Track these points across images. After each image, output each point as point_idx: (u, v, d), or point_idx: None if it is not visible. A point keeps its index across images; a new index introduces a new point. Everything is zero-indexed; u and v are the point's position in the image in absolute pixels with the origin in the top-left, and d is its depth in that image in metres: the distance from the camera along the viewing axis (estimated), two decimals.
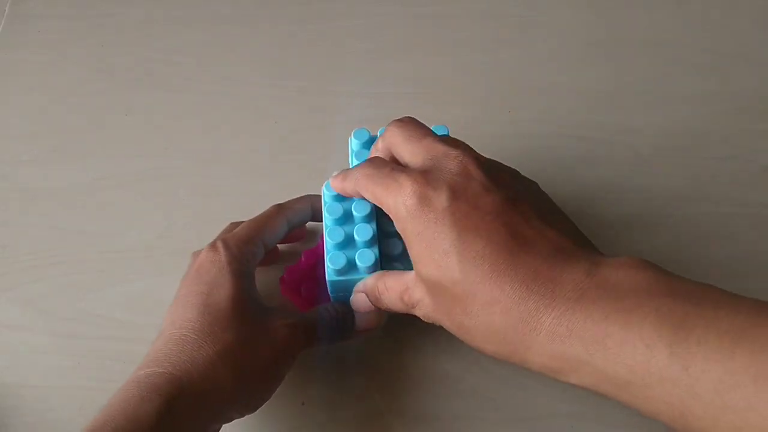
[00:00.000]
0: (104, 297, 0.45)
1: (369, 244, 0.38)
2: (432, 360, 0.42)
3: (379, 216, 0.39)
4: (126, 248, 0.47)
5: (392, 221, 0.39)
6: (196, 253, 0.39)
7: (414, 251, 0.33)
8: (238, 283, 0.36)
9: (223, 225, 0.43)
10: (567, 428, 0.40)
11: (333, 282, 0.38)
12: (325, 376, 0.42)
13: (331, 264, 0.37)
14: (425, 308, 0.34)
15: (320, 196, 0.40)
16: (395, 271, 0.36)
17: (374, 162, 0.36)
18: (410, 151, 0.35)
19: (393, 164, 0.35)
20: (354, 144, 0.41)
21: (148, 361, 0.34)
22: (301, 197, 0.42)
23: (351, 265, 0.38)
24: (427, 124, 0.42)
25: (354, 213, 0.39)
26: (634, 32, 0.57)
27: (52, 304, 0.45)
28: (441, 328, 0.44)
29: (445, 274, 0.31)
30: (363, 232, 0.38)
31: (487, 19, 0.58)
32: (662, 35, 0.57)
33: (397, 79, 0.54)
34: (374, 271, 0.38)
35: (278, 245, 0.45)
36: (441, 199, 0.31)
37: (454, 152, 0.33)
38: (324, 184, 0.39)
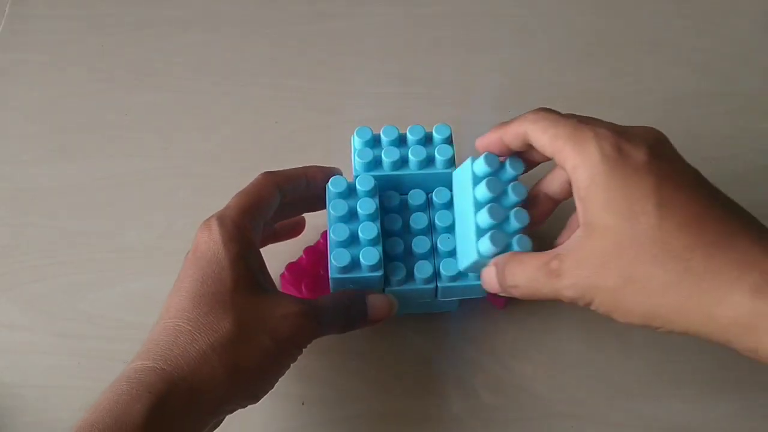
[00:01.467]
0: (104, 297, 0.45)
1: (373, 242, 0.38)
2: (432, 360, 0.42)
3: (382, 215, 0.40)
4: (126, 248, 0.47)
5: (396, 219, 0.40)
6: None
7: (602, 196, 0.31)
8: (237, 266, 0.34)
9: None
10: (567, 428, 0.40)
11: (336, 279, 0.38)
12: (325, 376, 0.42)
13: (335, 261, 0.37)
14: (580, 274, 0.31)
15: (317, 166, 0.40)
16: (529, 252, 0.35)
17: (549, 111, 0.34)
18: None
19: (577, 116, 0.34)
20: (357, 142, 0.41)
21: (140, 353, 0.32)
22: (297, 167, 0.40)
23: (354, 263, 0.38)
24: (427, 124, 0.42)
25: (359, 211, 0.39)
26: (634, 32, 0.57)
27: (52, 304, 0.45)
28: (441, 329, 0.44)
29: (640, 218, 0.30)
30: (367, 230, 0.38)
31: (487, 19, 0.58)
32: (662, 35, 0.57)
33: (397, 79, 0.54)
34: (377, 270, 0.38)
35: (294, 228, 0.44)
36: (640, 154, 0.31)
37: (649, 127, 0.33)
38: (329, 182, 0.40)
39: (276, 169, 0.39)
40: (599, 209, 0.31)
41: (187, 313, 0.33)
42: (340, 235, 0.38)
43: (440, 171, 0.41)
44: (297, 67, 0.55)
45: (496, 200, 0.36)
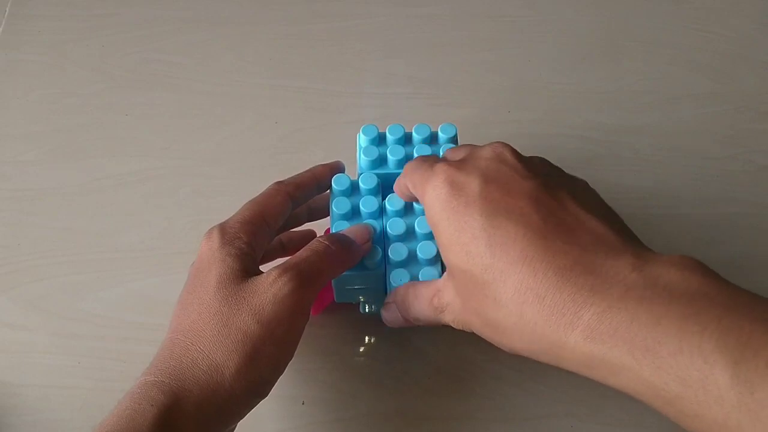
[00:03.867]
0: (104, 297, 0.45)
1: (376, 241, 0.38)
2: (432, 360, 0.42)
3: (386, 219, 0.39)
4: (126, 248, 0.47)
5: (399, 224, 0.39)
6: None
7: (443, 239, 0.31)
8: (224, 265, 0.33)
9: None
10: (567, 428, 0.40)
11: (337, 279, 0.38)
12: (325, 376, 0.42)
13: None
14: (454, 310, 0.32)
15: (322, 165, 0.40)
16: (424, 281, 0.35)
17: (420, 156, 0.36)
18: (451, 156, 0.35)
19: (437, 157, 0.35)
20: (362, 140, 0.41)
21: (146, 370, 0.33)
22: (304, 171, 0.40)
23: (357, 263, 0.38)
24: (427, 124, 0.42)
25: (361, 209, 0.39)
26: (634, 32, 0.57)
27: (52, 304, 0.45)
28: (442, 329, 0.44)
29: (474, 260, 0.29)
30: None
31: (487, 19, 0.58)
32: (662, 35, 0.57)
33: (397, 79, 0.54)
34: (379, 268, 0.38)
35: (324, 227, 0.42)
36: (473, 184, 0.30)
37: (490, 144, 0.33)
38: (332, 180, 0.40)
39: (270, 185, 0.39)
40: (445, 252, 0.31)
41: (180, 324, 0.33)
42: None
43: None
44: (297, 67, 0.55)
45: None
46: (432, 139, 0.42)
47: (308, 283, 0.34)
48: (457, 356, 0.42)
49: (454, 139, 0.41)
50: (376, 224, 0.38)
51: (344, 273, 0.38)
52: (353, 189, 0.40)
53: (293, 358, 0.42)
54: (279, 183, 0.39)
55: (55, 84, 0.55)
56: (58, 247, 0.47)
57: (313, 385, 0.42)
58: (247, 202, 0.38)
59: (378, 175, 0.40)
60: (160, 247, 0.47)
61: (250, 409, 0.34)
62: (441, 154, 0.41)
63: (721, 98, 0.53)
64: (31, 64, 0.56)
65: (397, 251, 0.38)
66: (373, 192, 0.40)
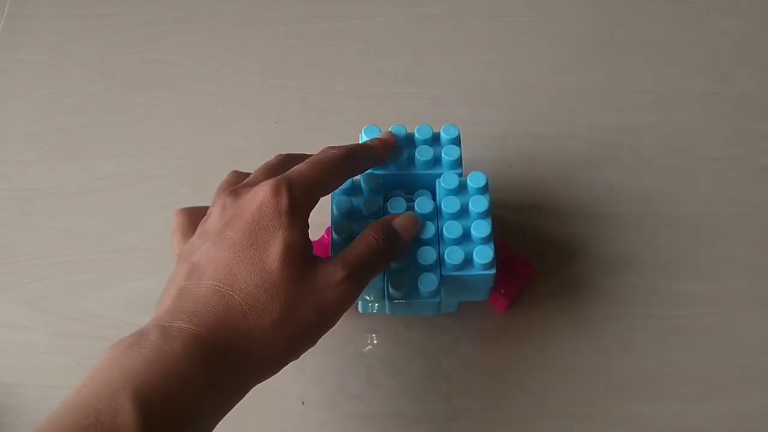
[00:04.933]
0: (104, 297, 0.45)
1: None
2: (431, 360, 0.42)
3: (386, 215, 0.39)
4: (126, 248, 0.47)
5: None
6: (249, 187, 0.34)
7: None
8: (294, 236, 0.32)
9: None
10: (567, 428, 0.40)
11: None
12: (325, 376, 0.42)
13: None
14: None
15: (380, 138, 0.40)
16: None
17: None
18: None
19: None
20: (364, 141, 0.41)
21: (177, 307, 0.31)
22: (365, 144, 0.39)
23: None
24: (427, 124, 0.42)
25: (362, 209, 0.39)
26: (634, 32, 0.57)
27: (52, 304, 0.45)
28: (442, 330, 0.44)
29: None
30: None
31: (487, 19, 0.58)
32: (662, 35, 0.57)
33: (397, 79, 0.54)
34: None
35: None
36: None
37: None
38: None
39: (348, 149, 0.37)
40: None
41: (236, 281, 0.32)
42: (343, 232, 0.38)
43: (447, 172, 0.40)
44: (297, 67, 0.55)
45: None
46: (434, 141, 0.42)
47: (363, 284, 0.35)
48: (457, 356, 0.42)
49: (456, 141, 0.41)
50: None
51: None
52: (355, 189, 0.40)
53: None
54: (351, 151, 0.37)
55: (55, 84, 0.55)
56: (58, 247, 0.47)
57: (313, 385, 0.42)
58: (315, 161, 0.35)
59: (380, 176, 0.40)
60: (160, 247, 0.47)
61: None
62: (443, 155, 0.41)
63: (721, 98, 0.53)
64: (31, 64, 0.56)
65: None
66: (375, 192, 0.40)
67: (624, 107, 0.53)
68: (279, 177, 0.34)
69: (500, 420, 0.40)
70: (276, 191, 0.33)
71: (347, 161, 0.36)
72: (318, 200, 0.35)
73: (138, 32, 0.58)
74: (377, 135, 0.41)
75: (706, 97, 0.53)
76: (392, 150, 0.40)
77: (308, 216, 0.34)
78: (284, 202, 0.33)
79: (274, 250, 0.32)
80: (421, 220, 0.38)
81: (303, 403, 0.41)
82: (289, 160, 0.37)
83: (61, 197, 0.49)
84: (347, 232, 0.38)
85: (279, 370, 0.34)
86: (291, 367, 0.42)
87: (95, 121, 0.53)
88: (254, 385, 0.33)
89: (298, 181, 0.34)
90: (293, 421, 0.40)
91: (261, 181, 0.34)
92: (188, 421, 0.29)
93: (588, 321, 0.43)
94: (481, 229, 0.38)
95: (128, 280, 0.46)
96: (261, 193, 0.33)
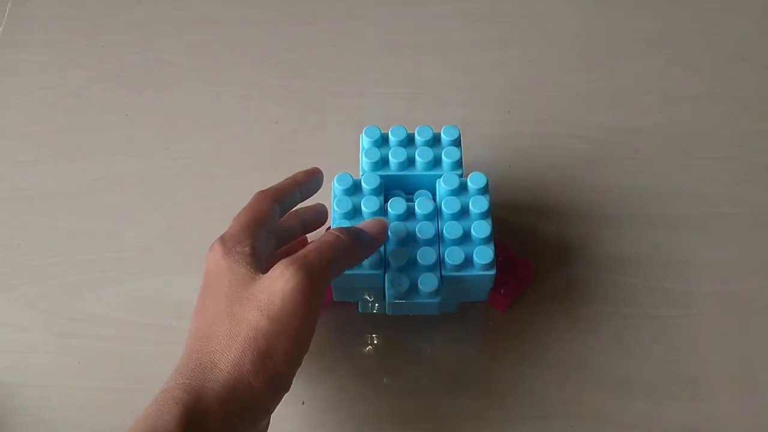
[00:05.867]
0: (104, 297, 0.45)
1: None
2: (431, 360, 0.42)
3: (387, 218, 0.39)
4: (126, 248, 0.47)
5: (401, 228, 0.39)
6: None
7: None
8: (232, 270, 0.34)
9: (224, 225, 0.43)
10: (567, 428, 0.40)
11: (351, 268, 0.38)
12: (325, 376, 0.42)
13: None
14: None
15: (301, 171, 0.41)
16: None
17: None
18: None
19: None
20: (365, 141, 0.41)
21: (167, 380, 0.33)
22: (283, 179, 0.41)
23: None
24: (427, 124, 0.42)
25: (363, 209, 0.39)
26: (634, 32, 0.57)
27: (52, 304, 0.45)
28: (442, 330, 0.44)
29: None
30: None
31: (487, 19, 0.58)
32: (662, 35, 0.57)
33: (397, 79, 0.54)
34: (379, 268, 0.38)
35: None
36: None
37: None
38: (335, 178, 0.40)
39: (270, 185, 0.40)
40: None
41: (198, 331, 0.34)
42: None
43: (447, 173, 0.40)
44: (297, 67, 0.55)
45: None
46: (434, 141, 0.42)
47: (317, 275, 0.33)
48: (457, 356, 0.42)
49: (456, 142, 0.41)
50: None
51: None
52: (356, 189, 0.40)
53: None
54: (261, 191, 0.39)
55: (55, 84, 0.55)
56: (58, 247, 0.47)
57: (313, 385, 0.42)
58: (237, 214, 0.38)
59: (380, 176, 0.40)
60: (160, 247, 0.47)
61: (276, 404, 0.34)
62: (443, 156, 0.41)
63: (721, 98, 0.53)
64: (31, 64, 0.56)
65: (397, 256, 0.38)
66: (376, 192, 0.40)
67: (624, 107, 0.53)
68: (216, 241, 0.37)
69: (500, 420, 0.40)
70: (211, 250, 0.36)
71: (265, 194, 0.39)
72: (255, 233, 0.36)
73: (138, 32, 0.58)
74: (378, 135, 0.41)
75: (706, 97, 0.53)
76: (314, 176, 0.41)
77: (250, 248, 0.35)
78: (218, 252, 0.35)
79: (220, 290, 0.34)
80: (388, 223, 0.38)
81: (303, 403, 0.41)
82: (262, 199, 0.39)
83: (61, 197, 0.49)
84: None
85: (273, 391, 0.33)
86: None
87: (95, 121, 0.53)
88: (257, 414, 0.33)
89: (227, 232, 0.37)
90: (293, 421, 0.40)
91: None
92: None
93: (587, 321, 0.43)
94: (481, 229, 0.38)
95: (128, 280, 0.46)
96: (206, 260, 0.36)
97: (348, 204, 0.39)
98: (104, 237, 0.48)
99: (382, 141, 0.42)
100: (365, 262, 0.37)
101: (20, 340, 0.44)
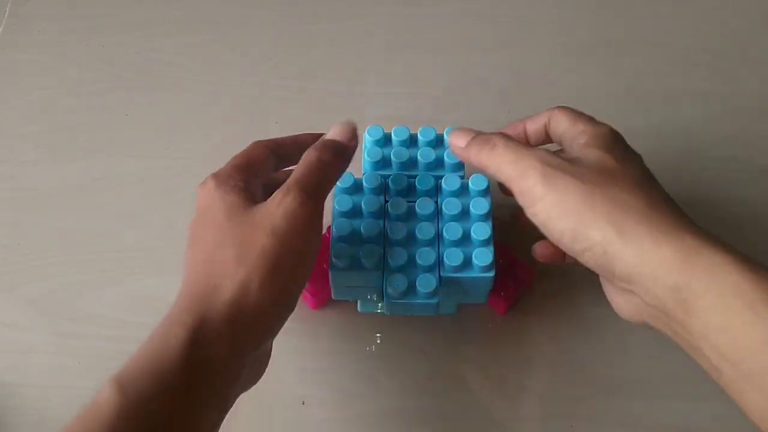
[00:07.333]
0: (104, 297, 0.45)
1: (375, 240, 0.38)
2: (431, 360, 0.42)
3: (388, 223, 0.39)
4: (126, 248, 0.47)
5: (401, 228, 0.39)
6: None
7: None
8: (226, 200, 0.34)
9: None
10: (567, 428, 0.40)
11: (335, 274, 0.38)
12: (325, 376, 0.42)
13: (335, 257, 0.37)
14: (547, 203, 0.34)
15: (307, 133, 0.40)
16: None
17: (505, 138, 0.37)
18: None
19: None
20: (367, 141, 0.41)
21: (171, 307, 0.33)
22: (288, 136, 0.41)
23: (355, 260, 0.38)
24: (427, 125, 0.42)
25: (363, 208, 0.39)
26: (635, 32, 0.57)
27: (52, 304, 0.45)
28: (442, 330, 0.44)
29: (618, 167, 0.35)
30: (370, 227, 0.38)
31: (487, 19, 0.58)
32: (662, 35, 0.57)
33: (397, 79, 0.54)
34: (377, 268, 0.38)
35: None
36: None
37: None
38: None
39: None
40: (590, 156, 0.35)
41: (196, 257, 0.34)
42: (343, 230, 0.38)
43: (449, 174, 0.40)
44: (297, 67, 0.55)
45: None
46: (437, 143, 0.42)
47: (313, 196, 0.34)
48: (457, 357, 0.42)
49: None
50: (377, 223, 0.38)
51: (342, 271, 0.38)
52: (357, 188, 0.40)
53: (293, 357, 0.42)
54: (258, 141, 0.39)
55: (55, 84, 0.55)
56: (58, 247, 0.47)
57: (313, 385, 0.42)
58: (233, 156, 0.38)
59: (382, 176, 0.40)
60: (160, 247, 0.47)
61: (281, 324, 0.34)
62: (445, 157, 0.41)
63: (721, 98, 0.53)
64: (31, 64, 0.56)
65: (397, 256, 0.38)
66: (376, 192, 0.40)
67: (624, 107, 0.53)
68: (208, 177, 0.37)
69: (500, 420, 0.40)
70: (203, 185, 0.36)
71: (264, 145, 0.39)
72: (248, 174, 0.36)
73: (138, 32, 0.58)
74: (380, 135, 0.41)
75: (706, 97, 0.53)
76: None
77: (243, 182, 0.35)
78: (211, 185, 0.35)
79: (217, 217, 0.34)
80: (355, 125, 0.38)
81: (303, 403, 0.41)
82: (257, 146, 0.39)
83: (61, 197, 0.49)
84: (348, 231, 0.38)
85: (280, 308, 0.33)
86: (291, 367, 0.42)
87: (95, 121, 0.53)
88: (263, 333, 0.33)
89: (220, 170, 0.37)
90: (293, 421, 0.40)
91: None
92: (175, 399, 0.29)
93: (587, 322, 0.43)
94: (481, 231, 0.38)
95: (128, 280, 0.46)
96: (198, 194, 0.36)
97: (348, 203, 0.39)
98: (104, 237, 0.48)
99: (385, 141, 0.42)
100: (365, 262, 0.37)
101: (20, 340, 0.44)
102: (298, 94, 0.54)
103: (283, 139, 0.40)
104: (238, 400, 0.40)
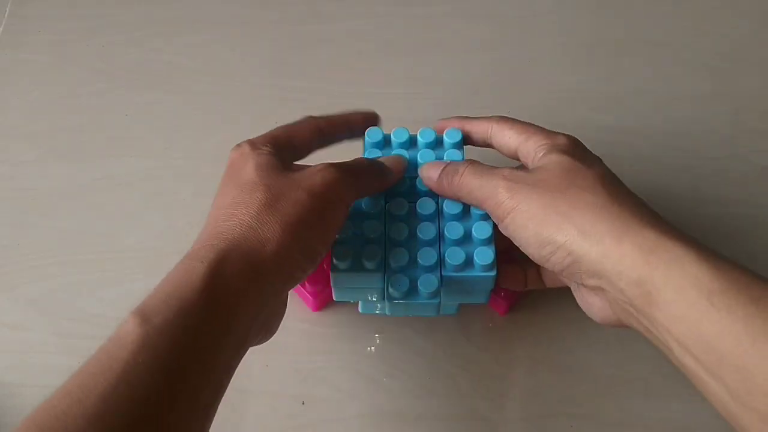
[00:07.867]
0: (104, 297, 0.45)
1: (376, 241, 0.38)
2: (432, 360, 0.42)
3: (389, 223, 0.39)
4: (126, 248, 0.47)
5: (402, 229, 0.39)
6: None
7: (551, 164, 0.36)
8: (262, 158, 0.35)
9: None
10: (567, 428, 0.40)
11: (336, 276, 0.38)
12: (325, 376, 0.42)
13: (336, 259, 0.37)
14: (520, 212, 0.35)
15: (357, 112, 0.41)
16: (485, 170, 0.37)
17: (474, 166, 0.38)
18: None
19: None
20: (366, 143, 0.41)
21: (193, 245, 0.33)
22: (339, 113, 0.41)
23: (356, 261, 0.38)
24: (426, 125, 0.42)
25: (364, 208, 0.39)
26: (634, 32, 0.57)
27: (52, 304, 0.45)
28: (442, 331, 0.44)
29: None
30: (371, 228, 0.38)
31: (487, 19, 0.58)
32: (662, 35, 0.57)
33: (397, 79, 0.54)
34: (379, 269, 0.38)
35: None
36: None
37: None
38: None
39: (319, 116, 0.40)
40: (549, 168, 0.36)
41: (223, 201, 0.34)
42: (344, 231, 0.38)
43: None
44: (297, 67, 0.55)
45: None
46: (437, 144, 0.42)
47: (350, 181, 0.35)
48: (457, 356, 0.42)
49: (459, 145, 0.41)
50: (378, 224, 0.38)
51: (344, 273, 0.38)
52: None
53: (293, 357, 0.42)
54: (312, 116, 0.40)
55: (55, 84, 0.55)
56: (58, 247, 0.47)
57: (313, 385, 0.42)
58: (280, 125, 0.39)
59: None
60: (160, 247, 0.47)
61: (301, 275, 0.34)
62: (445, 158, 0.41)
63: (721, 98, 0.53)
64: (31, 64, 0.56)
65: (398, 256, 0.38)
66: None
67: (624, 107, 0.53)
68: (243, 141, 0.38)
69: (501, 420, 0.40)
70: (237, 147, 0.37)
71: (316, 123, 0.39)
72: (284, 148, 0.37)
73: (138, 32, 0.58)
74: (380, 137, 0.41)
75: (706, 97, 0.53)
76: (371, 122, 0.42)
77: (276, 153, 0.36)
78: (245, 147, 0.37)
79: (248, 170, 0.35)
80: (406, 161, 0.40)
81: (303, 403, 0.41)
82: (305, 124, 0.40)
83: (61, 197, 0.49)
84: (348, 232, 0.38)
85: (303, 257, 0.33)
86: (291, 367, 0.42)
87: (95, 121, 0.53)
88: (282, 277, 0.33)
89: (257, 137, 0.38)
90: (293, 421, 0.40)
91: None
92: (192, 330, 0.30)
93: (587, 322, 0.43)
94: (482, 230, 0.38)
95: (128, 280, 0.46)
96: (231, 155, 0.37)
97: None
98: (104, 237, 0.48)
99: (384, 143, 0.42)
100: (367, 264, 0.37)
101: (20, 340, 0.44)
102: (298, 94, 0.54)
103: (334, 117, 0.41)
104: (238, 399, 0.40)
